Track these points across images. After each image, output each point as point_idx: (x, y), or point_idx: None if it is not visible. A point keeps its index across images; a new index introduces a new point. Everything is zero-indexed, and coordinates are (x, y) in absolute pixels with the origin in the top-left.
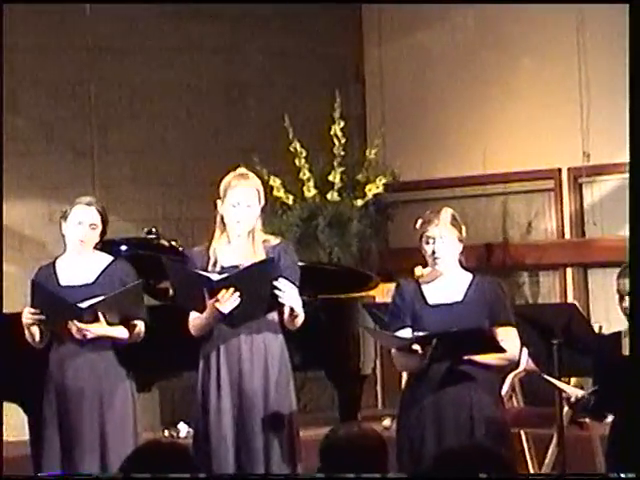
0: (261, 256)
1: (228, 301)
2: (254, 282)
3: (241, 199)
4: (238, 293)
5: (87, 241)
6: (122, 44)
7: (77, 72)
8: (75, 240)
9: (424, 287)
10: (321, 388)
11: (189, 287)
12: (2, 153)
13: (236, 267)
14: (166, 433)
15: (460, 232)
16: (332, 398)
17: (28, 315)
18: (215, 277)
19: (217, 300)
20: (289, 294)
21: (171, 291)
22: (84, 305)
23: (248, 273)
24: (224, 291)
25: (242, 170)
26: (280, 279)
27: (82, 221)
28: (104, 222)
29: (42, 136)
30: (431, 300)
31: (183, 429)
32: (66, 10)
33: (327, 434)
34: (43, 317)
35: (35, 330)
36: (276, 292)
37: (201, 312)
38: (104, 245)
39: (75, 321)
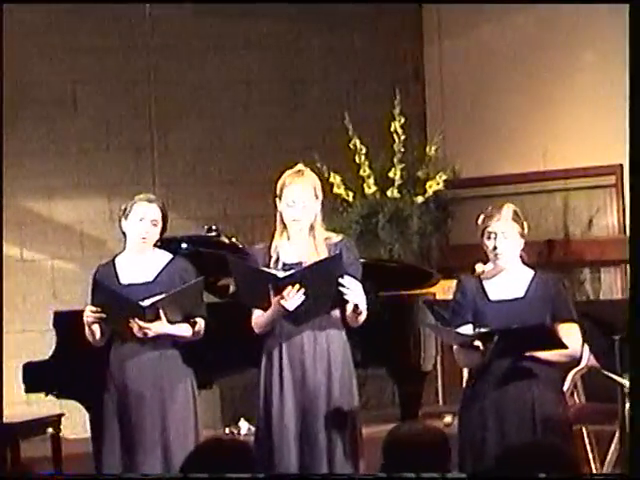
0: (323, 253)
1: (293, 298)
2: (319, 279)
3: (296, 197)
4: (303, 290)
5: (149, 238)
6: (182, 43)
7: (137, 70)
8: (136, 237)
9: (485, 283)
10: (382, 385)
11: (253, 284)
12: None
13: (298, 264)
14: (227, 431)
15: (522, 228)
16: (393, 395)
17: (89, 314)
18: (280, 274)
19: (282, 297)
20: (354, 291)
21: (232, 288)
22: (146, 303)
23: (314, 270)
24: (289, 288)
25: (298, 167)
26: (346, 277)
27: (143, 218)
28: (164, 219)
29: (102, 134)
30: (492, 296)
31: (244, 426)
32: (127, 10)
33: (390, 431)
34: (104, 316)
35: (96, 328)
36: (342, 289)
37: (265, 309)
38: (165, 243)
39: (137, 319)
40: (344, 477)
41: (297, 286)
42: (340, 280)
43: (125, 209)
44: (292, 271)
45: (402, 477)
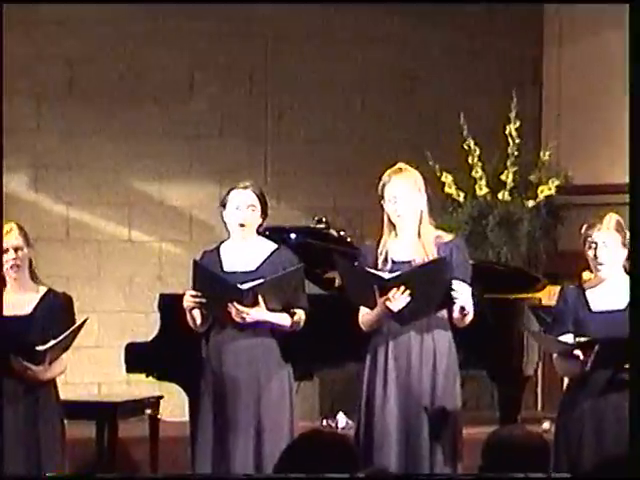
0: (432, 252)
1: (399, 300)
2: (425, 281)
3: (398, 194)
4: (409, 291)
5: (248, 224)
6: (300, 34)
7: (256, 58)
8: (235, 224)
9: (588, 292)
10: (482, 387)
11: (360, 284)
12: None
13: (407, 263)
14: (324, 423)
15: (624, 238)
16: (492, 398)
17: (189, 298)
18: (386, 275)
19: (388, 298)
20: (463, 294)
21: (337, 281)
22: (245, 287)
23: (420, 272)
24: (394, 290)
25: (400, 165)
26: (455, 281)
27: (239, 204)
28: (262, 204)
29: (217, 120)
30: (594, 306)
31: (341, 420)
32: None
33: (491, 433)
34: (204, 300)
35: (196, 314)
36: (452, 292)
37: (371, 308)
38: (273, 232)
39: (235, 303)
40: (443, 477)
41: (402, 288)
42: (450, 283)
43: (223, 199)
44: (397, 273)
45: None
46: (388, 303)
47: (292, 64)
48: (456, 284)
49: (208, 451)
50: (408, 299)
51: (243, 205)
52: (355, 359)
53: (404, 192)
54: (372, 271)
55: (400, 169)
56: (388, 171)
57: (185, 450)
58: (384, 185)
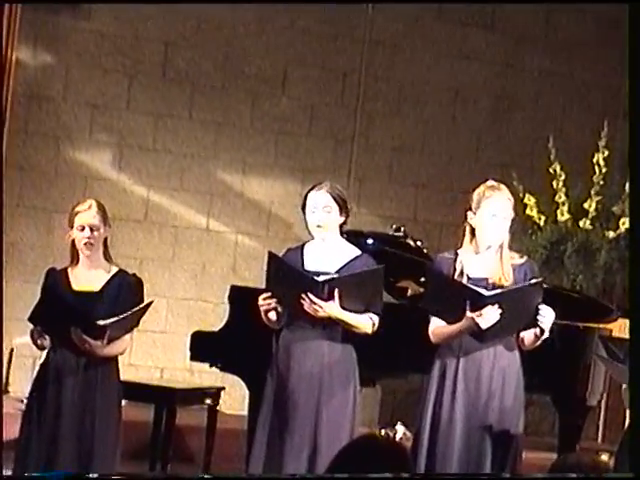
0: (508, 272)
1: (491, 317)
2: (520, 302)
3: (498, 210)
4: (500, 310)
5: (324, 225)
6: (399, 41)
7: (350, 61)
8: (313, 226)
9: None
10: (543, 413)
11: (449, 296)
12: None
13: (483, 280)
14: (382, 432)
15: None
16: (553, 424)
17: (262, 302)
18: (484, 292)
19: (480, 314)
20: (548, 319)
21: (410, 291)
22: (320, 279)
23: (519, 293)
24: (490, 307)
25: (494, 182)
26: (542, 305)
27: (315, 206)
28: (340, 204)
29: (306, 118)
30: None
31: (400, 430)
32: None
33: (559, 458)
34: (274, 304)
35: (271, 315)
36: (538, 316)
37: (451, 322)
38: (351, 236)
39: (310, 294)
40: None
41: (496, 305)
42: (538, 307)
43: (303, 200)
44: (498, 291)
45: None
46: (479, 319)
47: (386, 70)
48: (543, 308)
49: (263, 448)
50: (498, 318)
51: (319, 206)
52: (419, 371)
53: (503, 211)
54: (469, 285)
55: (497, 187)
56: (486, 185)
57: (241, 444)
58: (480, 199)
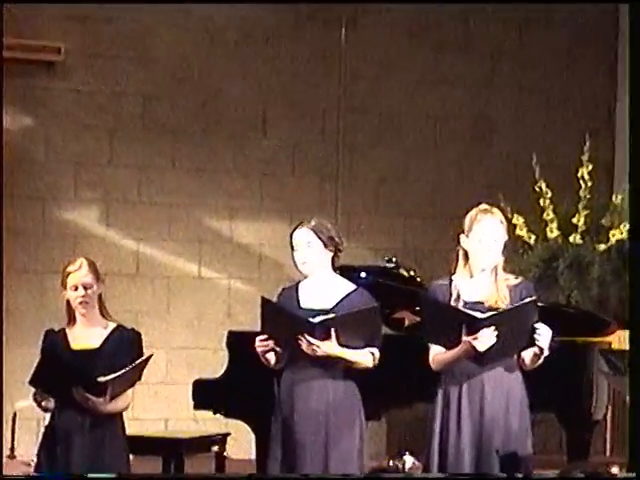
0: (504, 294)
1: (487, 340)
2: (515, 322)
3: (490, 233)
4: (496, 332)
5: (309, 262)
6: (374, 72)
7: (328, 96)
8: (298, 264)
9: None
10: (550, 430)
11: (445, 322)
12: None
13: (480, 303)
14: (391, 463)
15: None
16: (560, 441)
17: (258, 343)
18: (478, 315)
19: (476, 338)
20: (545, 337)
21: (407, 322)
22: (315, 320)
23: (513, 313)
24: (485, 329)
25: (486, 205)
26: (538, 323)
27: (297, 244)
28: (324, 241)
29: (289, 157)
30: None
31: (409, 460)
32: (322, 36)
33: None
34: (272, 345)
35: (270, 356)
36: (535, 335)
37: (449, 348)
38: (343, 271)
39: (306, 335)
40: None
41: (492, 328)
42: (535, 326)
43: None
44: (491, 313)
45: None
46: (476, 343)
47: (365, 102)
48: (539, 327)
49: None
50: (494, 340)
51: (301, 244)
52: (423, 399)
53: (494, 234)
54: (463, 310)
55: (490, 210)
56: (477, 209)
57: None
58: (473, 222)
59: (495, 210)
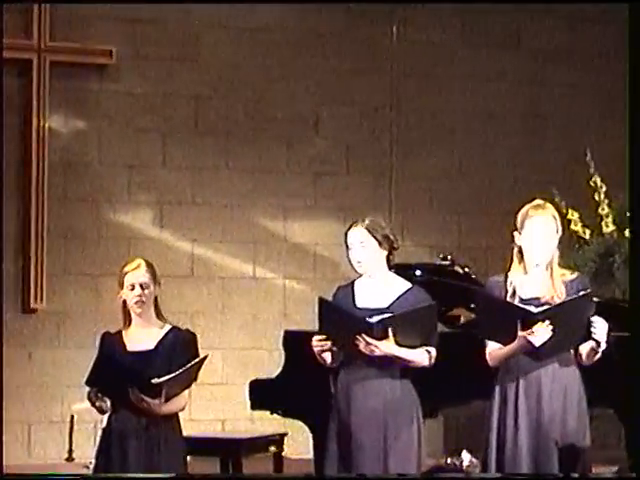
0: (560, 290)
1: (543, 334)
2: (571, 316)
3: (541, 229)
4: (552, 326)
5: (363, 261)
6: (426, 70)
7: (380, 95)
8: (353, 263)
9: None
10: (608, 426)
11: (500, 317)
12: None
13: (536, 299)
14: (449, 461)
15: None
16: (619, 436)
17: (315, 343)
18: (533, 309)
19: (531, 332)
20: (602, 331)
21: (462, 318)
22: (373, 320)
23: (567, 307)
24: (540, 324)
25: (539, 201)
26: (595, 317)
27: (351, 243)
28: (379, 239)
29: (342, 156)
30: None
31: (466, 458)
32: (374, 34)
33: None
34: (329, 345)
35: (326, 355)
36: (591, 329)
37: (505, 343)
38: (399, 269)
39: (364, 335)
40: None
41: (547, 322)
42: (592, 319)
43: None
44: (546, 307)
45: None
46: (531, 337)
47: (417, 100)
48: (595, 320)
49: None
50: (550, 334)
51: (355, 243)
52: (480, 396)
53: (544, 230)
54: (518, 305)
55: (541, 206)
56: (529, 205)
57: None
58: (524, 219)
59: (547, 206)
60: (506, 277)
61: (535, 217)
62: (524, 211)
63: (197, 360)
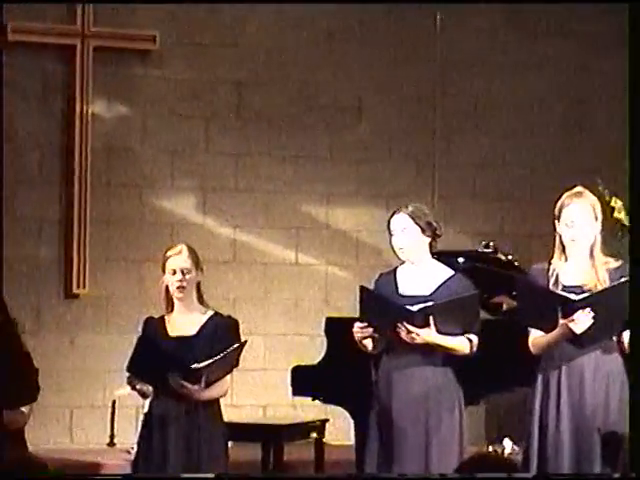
0: (603, 278)
1: (583, 322)
2: (612, 304)
3: (575, 217)
4: (593, 314)
5: (405, 247)
6: (469, 58)
7: (422, 82)
8: (396, 249)
9: None
10: None
11: (540, 305)
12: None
13: (578, 287)
14: (490, 449)
15: None
16: None
17: (357, 329)
18: (573, 297)
19: (572, 320)
20: None
21: (505, 306)
22: (414, 308)
23: (607, 295)
24: (580, 311)
25: (577, 189)
26: None
27: (394, 229)
28: (422, 226)
29: (385, 143)
30: None
31: (508, 445)
32: (417, 21)
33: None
34: (369, 332)
35: (367, 342)
36: None
37: (547, 331)
38: (441, 256)
39: (405, 323)
40: None
41: (587, 309)
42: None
43: (387, 225)
44: (586, 294)
45: None
46: (572, 325)
47: (461, 86)
48: None
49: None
50: (591, 321)
51: (398, 229)
52: (521, 384)
53: (582, 218)
54: (558, 292)
55: (580, 193)
56: (567, 193)
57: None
58: (561, 207)
59: (585, 193)
60: (549, 265)
61: (571, 205)
62: (561, 200)
63: (236, 345)
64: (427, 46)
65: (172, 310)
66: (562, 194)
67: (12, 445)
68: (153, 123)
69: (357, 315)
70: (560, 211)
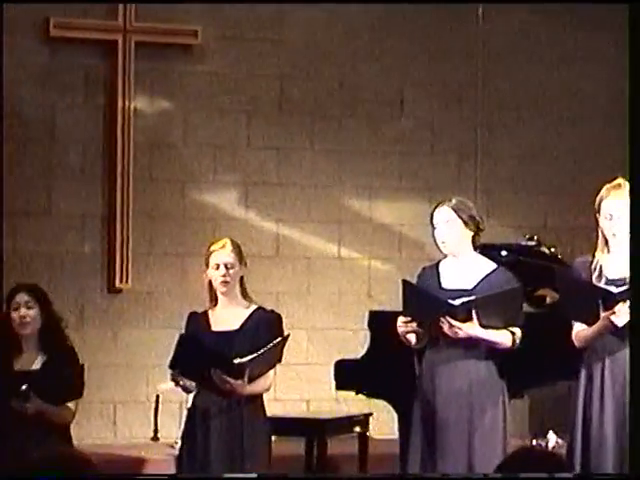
0: None
1: (625, 314)
2: None
3: (614, 211)
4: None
5: (448, 240)
6: (512, 50)
7: (465, 75)
8: (438, 242)
9: None
10: None
11: (582, 298)
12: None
13: (621, 280)
14: (534, 442)
15: None
16: None
17: (400, 324)
18: (613, 289)
19: (613, 312)
20: None
21: (548, 299)
22: (456, 302)
23: None
24: (622, 303)
25: (617, 181)
26: None
27: (437, 223)
28: (465, 219)
29: (427, 137)
30: None
31: (552, 439)
32: (459, 15)
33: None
34: (413, 326)
35: (410, 336)
36: None
37: (589, 324)
38: (485, 249)
39: (447, 317)
40: None
41: (629, 302)
42: None
43: (430, 219)
44: (624, 287)
45: None
46: (614, 318)
47: (503, 80)
48: None
49: (417, 471)
50: None
51: (441, 223)
52: (565, 377)
53: (620, 210)
54: (599, 285)
55: (619, 185)
56: (607, 186)
57: (394, 469)
58: (601, 200)
59: (625, 185)
60: (593, 257)
61: (610, 197)
62: (601, 193)
63: (278, 340)
64: (469, 39)
65: (216, 305)
66: (602, 187)
67: (58, 440)
68: (195, 118)
69: (400, 309)
70: (599, 204)
